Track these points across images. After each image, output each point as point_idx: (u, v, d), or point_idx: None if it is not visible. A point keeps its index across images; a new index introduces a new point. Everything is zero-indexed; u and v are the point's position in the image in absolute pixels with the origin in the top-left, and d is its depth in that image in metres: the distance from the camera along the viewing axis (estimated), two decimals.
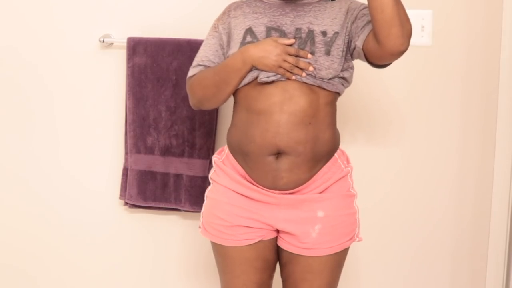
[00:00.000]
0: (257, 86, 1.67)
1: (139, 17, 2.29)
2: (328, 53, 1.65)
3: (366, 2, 1.64)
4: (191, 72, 1.79)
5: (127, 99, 2.25)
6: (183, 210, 2.27)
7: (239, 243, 1.73)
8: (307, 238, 1.70)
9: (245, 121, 1.70)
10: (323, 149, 1.70)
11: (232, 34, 1.74)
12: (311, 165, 1.69)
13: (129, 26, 2.28)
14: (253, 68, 1.66)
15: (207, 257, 2.24)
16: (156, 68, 2.22)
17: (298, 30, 1.68)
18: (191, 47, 2.18)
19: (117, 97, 2.32)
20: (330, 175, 1.72)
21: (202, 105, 1.78)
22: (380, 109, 2.29)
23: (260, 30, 1.70)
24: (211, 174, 1.81)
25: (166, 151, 2.24)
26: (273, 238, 1.76)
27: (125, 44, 2.24)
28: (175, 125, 2.23)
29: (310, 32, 1.67)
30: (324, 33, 1.67)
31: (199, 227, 1.82)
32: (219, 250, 1.77)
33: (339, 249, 1.72)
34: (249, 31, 1.71)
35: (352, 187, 1.78)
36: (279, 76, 1.65)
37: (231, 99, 1.76)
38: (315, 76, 1.65)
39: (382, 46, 1.58)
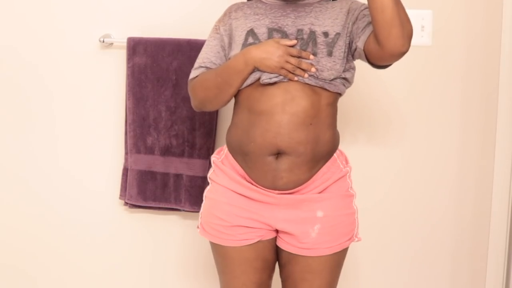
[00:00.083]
0: (259, 87, 1.67)
1: (139, 17, 2.29)
2: (330, 54, 1.65)
3: (366, 2, 1.63)
4: (193, 74, 1.78)
5: (127, 99, 2.25)
6: (183, 210, 2.27)
7: (239, 243, 1.73)
8: (306, 238, 1.70)
9: (246, 121, 1.70)
10: (323, 149, 1.70)
11: (233, 35, 1.74)
12: (310, 166, 1.69)
13: (129, 26, 2.28)
14: (255, 69, 1.66)
15: (207, 257, 2.24)
16: (156, 68, 2.22)
17: (299, 31, 1.68)
18: (191, 47, 2.18)
19: (117, 97, 2.32)
20: (329, 175, 1.72)
21: (204, 107, 1.78)
22: (380, 109, 2.29)
23: (261, 31, 1.70)
24: (210, 174, 1.81)
25: (166, 151, 2.24)
26: (272, 238, 1.76)
27: (125, 44, 2.24)
28: (175, 125, 2.23)
29: (312, 33, 1.67)
30: (325, 34, 1.67)
31: (198, 227, 1.82)
32: (219, 250, 1.77)
33: (338, 249, 1.73)
34: (251, 32, 1.71)
35: (351, 187, 1.78)
36: (281, 77, 1.65)
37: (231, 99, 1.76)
38: (317, 77, 1.65)
39: (382, 47, 1.58)
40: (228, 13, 1.80)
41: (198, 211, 1.84)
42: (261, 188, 1.70)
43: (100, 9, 2.29)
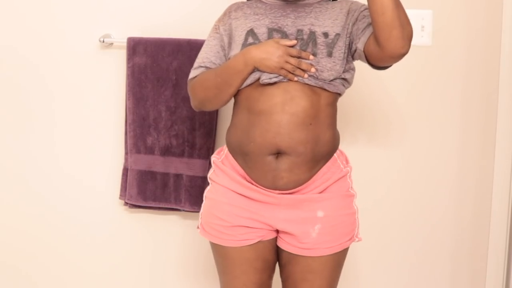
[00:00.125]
0: (258, 87, 1.67)
1: (139, 17, 2.29)
2: (330, 54, 1.65)
3: (366, 3, 1.63)
4: (193, 73, 1.78)
5: (127, 99, 2.25)
6: (183, 210, 2.27)
7: (239, 243, 1.73)
8: (307, 238, 1.70)
9: (246, 121, 1.69)
10: (323, 149, 1.70)
11: (233, 35, 1.74)
12: (311, 166, 1.69)
13: (129, 26, 2.28)
14: (255, 69, 1.65)
15: (207, 257, 2.24)
16: (156, 68, 2.22)
17: (299, 31, 1.68)
18: (191, 47, 2.18)
19: (117, 97, 2.32)
20: (329, 175, 1.72)
21: (204, 107, 1.78)
22: (381, 109, 2.29)
23: (261, 31, 1.70)
24: (210, 174, 1.81)
25: (166, 151, 2.24)
26: (273, 239, 1.76)
27: (125, 44, 2.24)
28: (175, 125, 2.23)
29: (312, 34, 1.67)
30: (325, 35, 1.67)
31: (198, 227, 1.82)
32: (219, 251, 1.77)
33: (339, 249, 1.72)
34: (251, 32, 1.71)
35: (352, 187, 1.78)
36: (281, 77, 1.64)
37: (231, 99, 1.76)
38: (317, 78, 1.65)
39: (382, 48, 1.58)
40: (228, 12, 1.80)
41: (198, 211, 1.84)
42: (262, 188, 1.70)
43: (100, 9, 2.29)
